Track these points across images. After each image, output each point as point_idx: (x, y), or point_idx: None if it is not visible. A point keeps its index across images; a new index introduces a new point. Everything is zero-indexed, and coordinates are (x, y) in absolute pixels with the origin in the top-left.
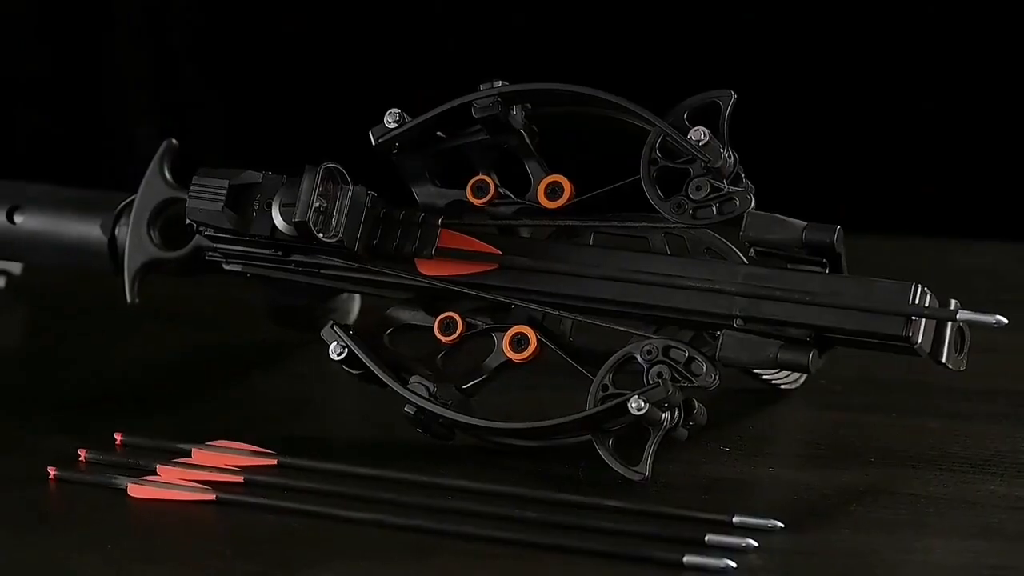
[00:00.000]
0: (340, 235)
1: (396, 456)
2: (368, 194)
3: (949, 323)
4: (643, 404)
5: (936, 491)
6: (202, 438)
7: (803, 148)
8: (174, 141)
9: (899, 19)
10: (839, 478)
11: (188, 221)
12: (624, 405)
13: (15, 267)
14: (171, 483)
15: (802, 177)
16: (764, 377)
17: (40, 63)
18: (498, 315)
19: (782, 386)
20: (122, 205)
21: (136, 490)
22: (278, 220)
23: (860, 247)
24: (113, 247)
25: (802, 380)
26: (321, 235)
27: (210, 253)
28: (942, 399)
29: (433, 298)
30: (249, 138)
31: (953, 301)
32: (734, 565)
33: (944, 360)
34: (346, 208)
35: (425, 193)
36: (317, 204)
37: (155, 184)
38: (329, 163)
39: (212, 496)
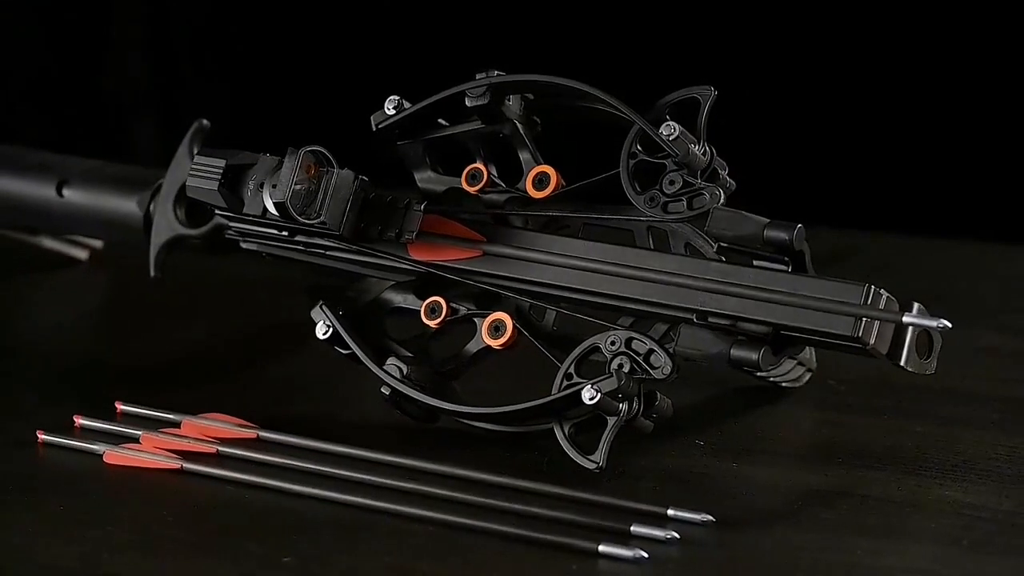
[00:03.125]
0: (323, 217)
1: (383, 437)
2: (358, 178)
3: (910, 326)
4: (595, 393)
5: (889, 494)
6: (206, 411)
7: (816, 146)
8: (205, 122)
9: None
10: (799, 477)
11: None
12: (578, 394)
13: (96, 241)
14: (142, 451)
15: (817, 177)
16: (759, 375)
17: (40, 63)
18: (487, 302)
19: (783, 384)
20: (159, 183)
21: (111, 457)
22: (266, 201)
23: (884, 246)
24: (148, 223)
25: (806, 379)
26: (302, 217)
27: (228, 232)
28: (941, 403)
29: (425, 283)
30: (250, 136)
31: (916, 304)
32: (645, 555)
33: (903, 363)
34: (331, 191)
35: (425, 179)
36: (298, 186)
37: (183, 163)
38: (312, 146)
39: (178, 465)
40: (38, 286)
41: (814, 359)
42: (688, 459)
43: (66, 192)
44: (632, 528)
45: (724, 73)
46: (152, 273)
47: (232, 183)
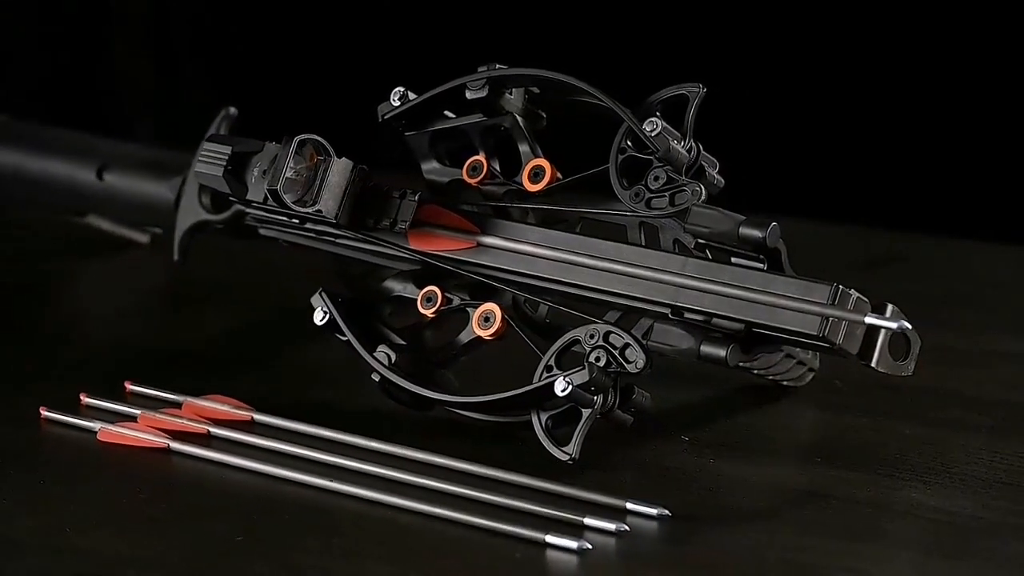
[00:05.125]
0: (319, 205)
1: (379, 424)
2: (356, 167)
3: (883, 328)
4: (567, 385)
5: (857, 495)
6: (222, 394)
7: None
8: (232, 109)
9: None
10: (772, 474)
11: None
12: (551, 385)
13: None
14: (133, 430)
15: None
16: (756, 373)
17: (40, 63)
18: (482, 292)
19: (784, 383)
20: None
21: (104, 434)
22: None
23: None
24: (178, 208)
25: (808, 378)
26: (300, 204)
27: (247, 218)
28: (941, 406)
29: (425, 272)
30: (250, 136)
31: (889, 306)
32: (589, 546)
33: (874, 364)
34: (328, 179)
35: (431, 170)
36: (291, 174)
37: None
38: (306, 135)
39: (165, 444)
40: (94, 268)
41: (817, 359)
42: (668, 454)
43: (106, 176)
44: (585, 520)
45: (765, 71)
46: (175, 257)
47: (238, 170)
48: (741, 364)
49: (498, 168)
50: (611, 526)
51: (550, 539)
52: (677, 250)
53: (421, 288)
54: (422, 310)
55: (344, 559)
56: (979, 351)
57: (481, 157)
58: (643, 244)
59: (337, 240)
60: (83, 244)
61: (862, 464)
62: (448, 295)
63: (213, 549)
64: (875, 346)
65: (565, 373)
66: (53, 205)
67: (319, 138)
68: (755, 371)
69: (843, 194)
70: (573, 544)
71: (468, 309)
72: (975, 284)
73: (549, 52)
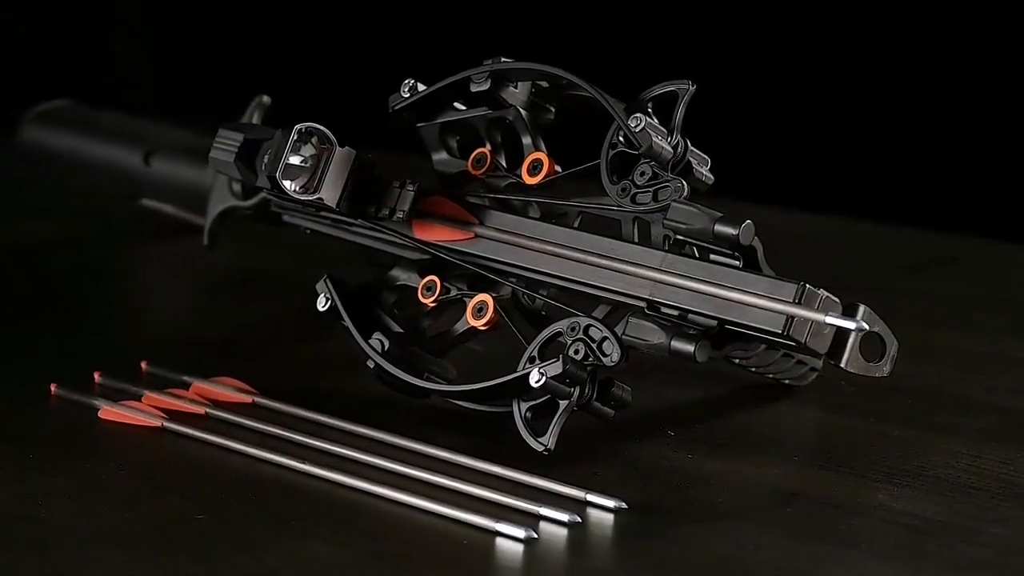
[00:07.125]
0: (319, 192)
1: (380, 412)
2: (360, 158)
3: (852, 329)
4: (540, 377)
5: (822, 494)
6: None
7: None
8: (265, 98)
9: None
10: (745, 471)
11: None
12: (527, 377)
13: None
14: (133, 409)
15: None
16: (754, 370)
17: (41, 62)
18: (480, 283)
19: (786, 382)
20: None
21: (105, 412)
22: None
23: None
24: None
25: (811, 378)
26: (298, 192)
27: (272, 205)
28: (939, 410)
29: (428, 262)
30: None
31: (862, 307)
32: (535, 535)
33: (844, 364)
34: (330, 168)
35: (441, 162)
36: (296, 161)
37: None
38: (307, 124)
39: (159, 423)
40: (155, 251)
41: (820, 359)
42: (649, 448)
43: (152, 162)
44: (540, 510)
45: (822, 73)
46: (205, 242)
47: (249, 156)
48: (736, 361)
49: (503, 161)
50: (564, 517)
51: (500, 527)
52: (666, 246)
53: (424, 278)
54: (422, 299)
55: (293, 538)
56: (995, 356)
57: (486, 149)
58: (635, 239)
59: (352, 228)
60: (138, 229)
61: (838, 464)
62: (447, 285)
63: (172, 526)
64: (845, 346)
65: (540, 365)
66: (104, 189)
67: (321, 127)
68: (752, 369)
69: (896, 194)
70: (521, 533)
71: (465, 300)
72: (1020, 288)
73: (559, 47)
